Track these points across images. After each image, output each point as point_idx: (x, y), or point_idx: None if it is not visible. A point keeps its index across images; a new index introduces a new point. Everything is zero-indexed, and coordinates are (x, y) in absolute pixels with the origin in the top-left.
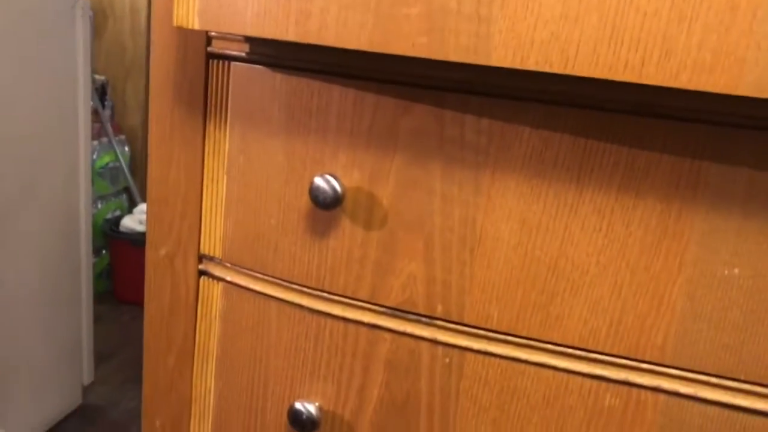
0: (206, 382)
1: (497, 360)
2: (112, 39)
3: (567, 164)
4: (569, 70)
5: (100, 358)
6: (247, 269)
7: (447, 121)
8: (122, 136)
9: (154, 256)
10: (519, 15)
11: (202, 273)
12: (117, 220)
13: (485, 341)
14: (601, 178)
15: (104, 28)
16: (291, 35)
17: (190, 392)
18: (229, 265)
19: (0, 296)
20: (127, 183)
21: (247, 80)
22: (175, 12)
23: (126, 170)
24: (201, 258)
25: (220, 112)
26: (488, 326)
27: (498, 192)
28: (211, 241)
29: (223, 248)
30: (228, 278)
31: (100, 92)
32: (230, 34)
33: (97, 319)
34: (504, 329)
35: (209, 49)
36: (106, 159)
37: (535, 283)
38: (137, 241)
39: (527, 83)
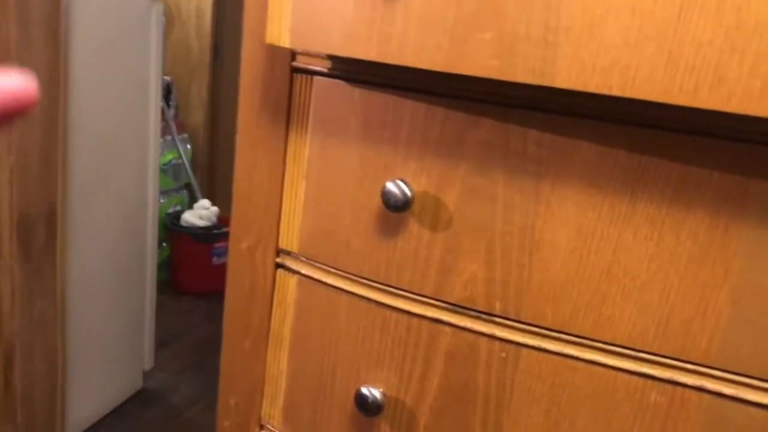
0: (279, 365)
1: (550, 356)
2: (179, 40)
3: (622, 177)
4: (627, 93)
5: (159, 345)
6: (321, 264)
7: (511, 135)
8: (185, 135)
9: (236, 248)
10: (583, 42)
11: (279, 266)
12: (178, 215)
13: (540, 338)
14: (653, 191)
15: (171, 29)
16: (373, 55)
17: (263, 374)
18: (304, 259)
19: (72, 280)
20: (188, 179)
21: (328, 93)
22: (267, 30)
23: (188, 167)
24: (278, 252)
25: (302, 122)
26: (543, 324)
27: (557, 200)
28: (289, 237)
29: (299, 244)
30: (303, 271)
31: (166, 91)
32: (316, 52)
33: (157, 308)
34: (558, 327)
35: (293, 63)
36: (169, 156)
37: (589, 285)
38: (197, 235)
39: (587, 102)
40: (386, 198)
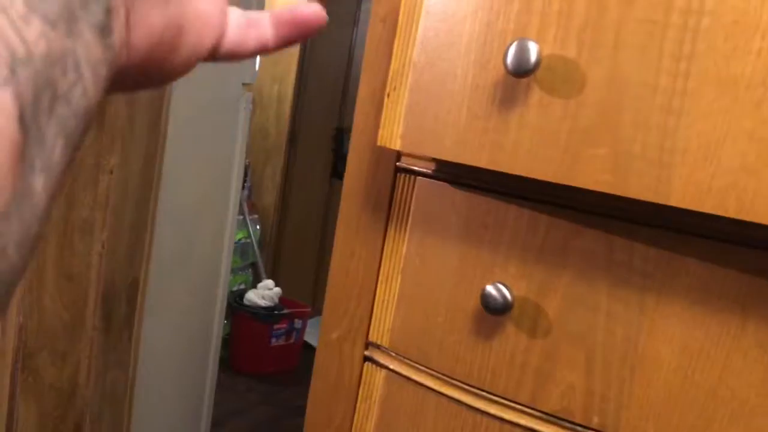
0: None
1: None
2: (258, 125)
3: (732, 297)
4: (744, 216)
5: (214, 423)
6: (411, 361)
7: (616, 247)
8: (255, 216)
9: (326, 337)
10: (699, 164)
11: (367, 359)
12: (241, 294)
13: None
14: (765, 313)
15: (252, 114)
16: (484, 163)
17: None
18: (394, 354)
19: (145, 354)
20: (255, 258)
21: (430, 193)
22: (380, 133)
23: (255, 247)
24: (368, 345)
25: (402, 219)
26: None
27: (662, 315)
28: (380, 331)
29: (390, 338)
30: (391, 366)
31: (242, 174)
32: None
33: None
34: None
35: (398, 163)
36: (240, 235)
37: (693, 407)
38: (258, 314)
39: (693, 219)
40: (486, 300)
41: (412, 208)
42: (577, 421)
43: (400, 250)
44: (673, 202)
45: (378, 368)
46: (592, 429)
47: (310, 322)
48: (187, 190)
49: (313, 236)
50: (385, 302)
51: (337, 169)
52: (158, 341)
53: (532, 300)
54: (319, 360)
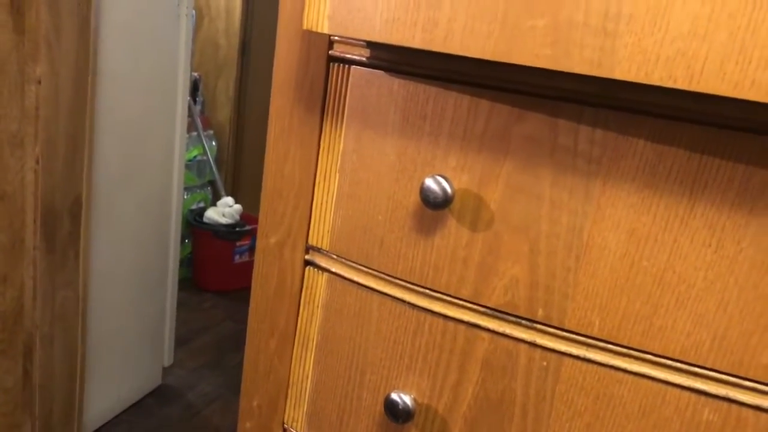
0: (304, 367)
1: (595, 367)
2: (207, 37)
3: (680, 178)
4: (694, 87)
5: (179, 342)
6: (352, 262)
7: (560, 130)
8: (210, 131)
9: (264, 243)
10: (646, 31)
11: (308, 263)
12: (201, 212)
13: (584, 347)
14: (714, 194)
15: (200, 26)
16: (417, 42)
17: (288, 376)
18: (335, 256)
19: (95, 274)
20: (212, 176)
21: (366, 83)
22: (305, 16)
23: (212, 164)
24: (308, 249)
25: (337, 113)
26: (588, 333)
27: (608, 201)
28: (319, 234)
29: (330, 240)
30: (333, 269)
31: (193, 87)
32: (356, 39)
33: (178, 305)
34: (604, 337)
35: (330, 52)
36: (194, 152)
37: (640, 293)
38: (219, 232)
39: (643, 96)
40: (425, 195)
41: (347, 100)
42: (521, 314)
43: (337, 146)
44: (618, 74)
45: (319, 272)
46: (537, 321)
47: None
48: (128, 103)
49: None
50: (324, 203)
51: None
52: (109, 260)
53: (473, 192)
54: (258, 267)
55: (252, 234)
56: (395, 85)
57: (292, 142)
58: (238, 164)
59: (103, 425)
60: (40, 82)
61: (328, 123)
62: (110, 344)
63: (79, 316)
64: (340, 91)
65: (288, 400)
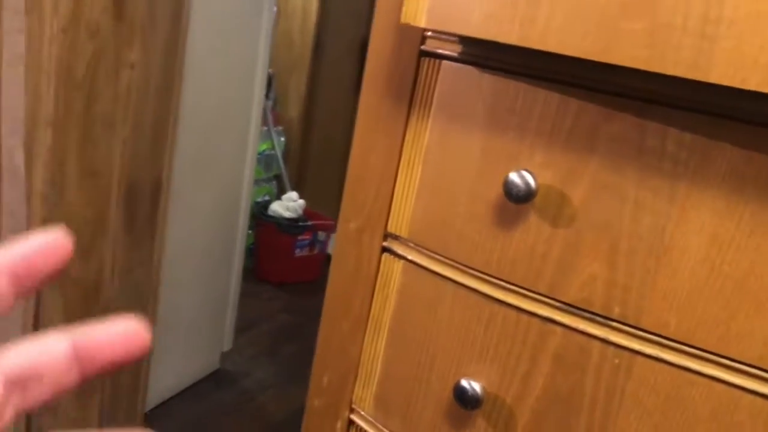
0: (375, 350)
1: (668, 367)
2: (282, 34)
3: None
4: None
5: (237, 329)
6: (429, 251)
7: (648, 132)
8: (280, 127)
9: (344, 228)
10: (746, 36)
11: (385, 249)
12: (266, 205)
13: (658, 347)
14: None
15: (276, 23)
16: (514, 38)
17: (358, 357)
18: (412, 244)
19: (168, 254)
20: (279, 170)
21: (455, 78)
22: (403, 9)
23: (280, 158)
24: (386, 236)
25: (425, 106)
26: (664, 333)
27: (692, 204)
28: (399, 222)
29: (409, 229)
30: (409, 257)
31: (266, 83)
32: (452, 33)
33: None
34: (680, 338)
35: (422, 47)
36: (264, 146)
37: (719, 297)
38: (282, 225)
39: (734, 102)
40: (508, 188)
41: (435, 94)
42: (596, 311)
43: (422, 139)
44: (714, 78)
45: (396, 259)
46: (612, 319)
47: (333, 236)
48: (209, 93)
49: (337, 149)
50: (405, 192)
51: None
52: (181, 243)
53: (556, 188)
54: (337, 251)
55: (314, 229)
56: (484, 80)
57: (378, 133)
58: (304, 161)
59: (162, 403)
60: (133, 67)
61: (415, 115)
62: (175, 325)
63: (151, 296)
64: (429, 85)
65: (357, 381)
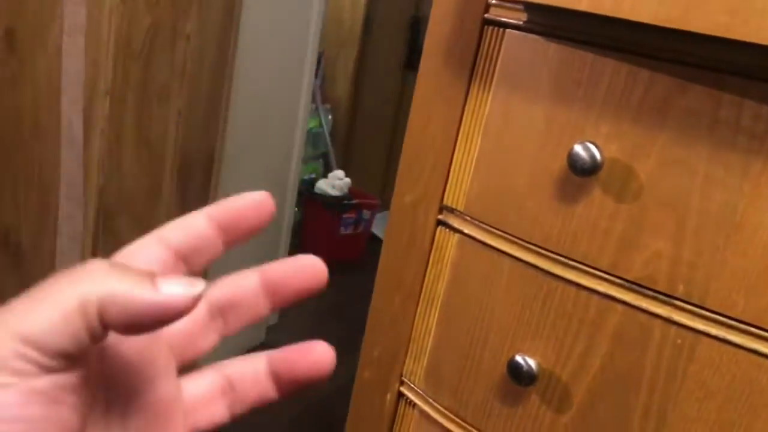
0: (427, 324)
1: (734, 349)
2: (332, 12)
3: None
4: None
5: None
6: (486, 224)
7: (724, 104)
8: (328, 105)
9: (399, 201)
10: None
11: (440, 223)
12: (312, 182)
13: (725, 328)
14: None
15: (327, 1)
16: (584, 5)
17: (410, 331)
18: (468, 218)
19: None
20: (326, 149)
21: (519, 48)
22: None
23: (327, 137)
24: (442, 209)
25: (487, 76)
26: (731, 314)
27: (767, 181)
28: (455, 195)
29: (465, 202)
30: (465, 230)
31: (315, 61)
32: (518, 1)
33: None
34: (747, 319)
35: (486, 15)
36: (311, 124)
37: None
38: (328, 203)
39: None
40: (572, 161)
41: (498, 63)
42: (660, 289)
43: (483, 109)
44: None
45: (451, 232)
46: (676, 297)
47: (378, 216)
48: (262, 69)
49: (384, 129)
50: (463, 165)
51: (411, 62)
52: None
53: (623, 162)
54: (392, 224)
55: (359, 208)
56: (550, 50)
57: (436, 104)
58: (351, 139)
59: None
60: (189, 39)
61: (476, 86)
62: None
63: (202, 274)
64: (492, 55)
65: (408, 354)
